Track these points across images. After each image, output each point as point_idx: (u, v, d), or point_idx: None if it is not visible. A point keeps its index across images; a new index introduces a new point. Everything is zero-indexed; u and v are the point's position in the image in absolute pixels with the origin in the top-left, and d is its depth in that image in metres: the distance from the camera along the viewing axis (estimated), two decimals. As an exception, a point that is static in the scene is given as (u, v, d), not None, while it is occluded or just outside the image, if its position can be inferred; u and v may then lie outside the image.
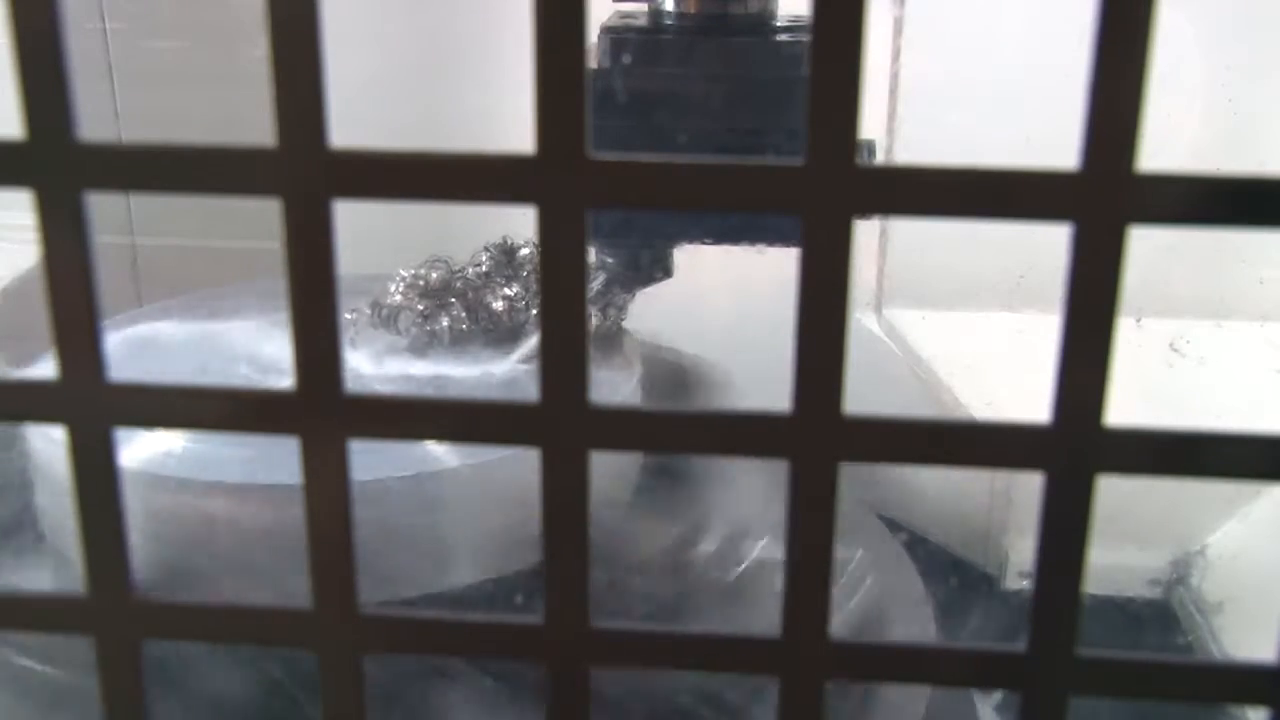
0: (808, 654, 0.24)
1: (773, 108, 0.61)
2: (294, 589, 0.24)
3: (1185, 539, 0.86)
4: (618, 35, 0.63)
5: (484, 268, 0.72)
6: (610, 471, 0.66)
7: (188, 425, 0.24)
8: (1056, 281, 0.21)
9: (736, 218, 0.63)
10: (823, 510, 0.23)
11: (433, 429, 0.24)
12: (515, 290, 0.71)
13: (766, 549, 0.63)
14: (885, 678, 0.25)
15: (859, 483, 0.82)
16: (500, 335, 0.71)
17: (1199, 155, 0.87)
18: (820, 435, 0.22)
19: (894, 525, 0.81)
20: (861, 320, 0.99)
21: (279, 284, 0.22)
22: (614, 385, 0.68)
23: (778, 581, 0.23)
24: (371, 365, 0.69)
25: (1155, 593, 0.86)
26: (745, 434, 0.23)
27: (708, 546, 0.64)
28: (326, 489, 0.24)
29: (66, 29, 0.21)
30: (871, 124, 0.54)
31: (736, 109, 0.62)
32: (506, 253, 0.73)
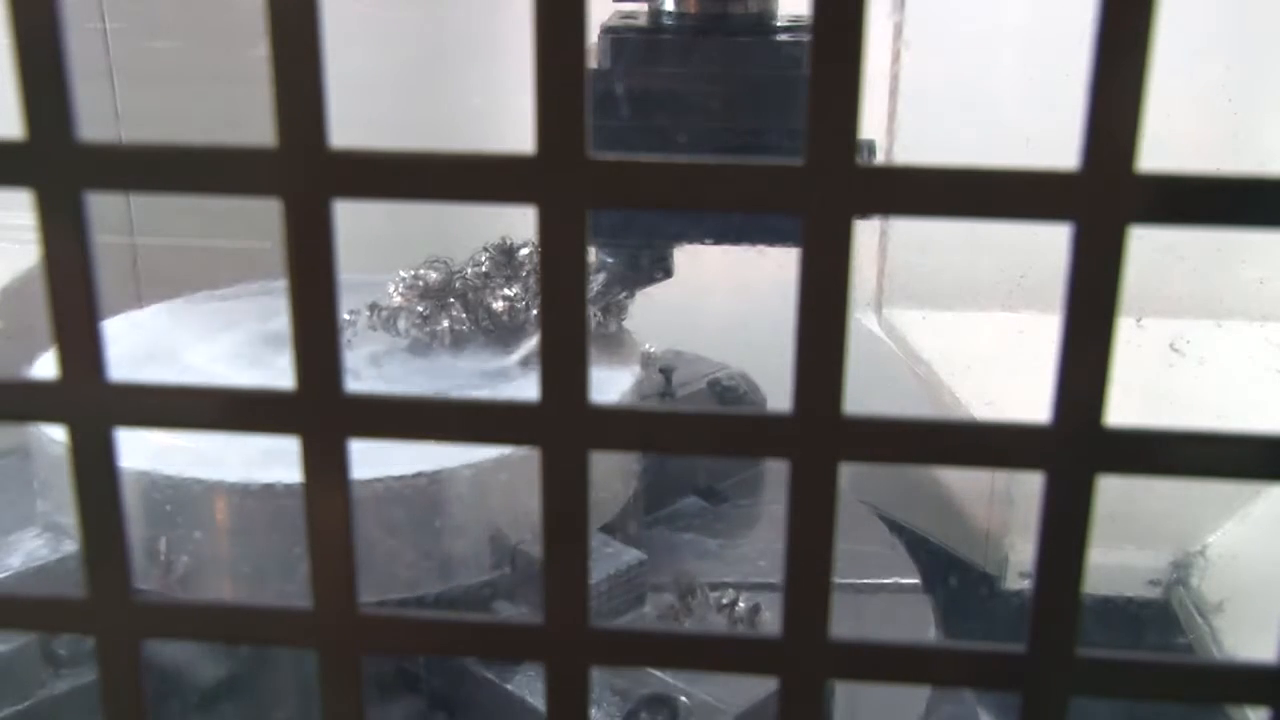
0: (808, 654, 0.24)
1: (773, 108, 0.61)
2: (294, 588, 0.24)
3: (1185, 539, 0.86)
4: (618, 35, 0.63)
5: (484, 268, 0.72)
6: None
7: (188, 425, 0.24)
8: (1056, 281, 0.21)
9: (736, 218, 0.63)
10: (823, 510, 0.23)
11: (433, 429, 0.24)
12: (515, 290, 0.71)
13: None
14: (885, 678, 0.25)
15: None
16: (500, 335, 0.71)
17: (1199, 155, 0.87)
18: (820, 435, 0.22)
19: (894, 525, 0.81)
20: (861, 320, 0.99)
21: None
22: (614, 385, 0.68)
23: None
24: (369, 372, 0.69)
25: (1155, 593, 0.86)
26: (745, 434, 0.23)
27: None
28: (326, 489, 0.24)
29: (66, 29, 0.21)
30: (871, 124, 0.54)
31: (736, 109, 0.62)
32: (506, 253, 0.73)
